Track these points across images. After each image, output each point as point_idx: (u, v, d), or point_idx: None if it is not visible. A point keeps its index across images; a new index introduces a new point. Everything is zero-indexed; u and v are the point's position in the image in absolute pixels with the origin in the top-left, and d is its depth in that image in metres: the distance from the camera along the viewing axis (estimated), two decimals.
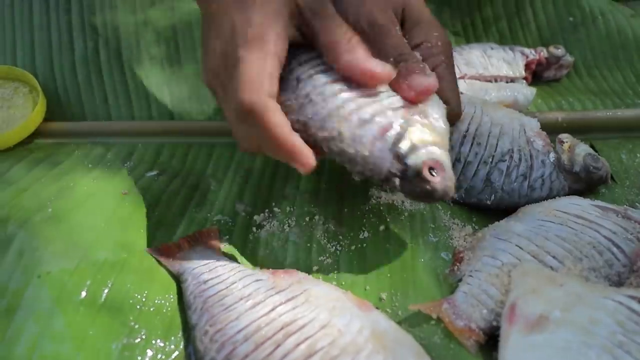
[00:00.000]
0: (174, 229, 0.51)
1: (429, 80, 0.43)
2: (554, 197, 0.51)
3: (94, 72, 0.66)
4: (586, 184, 0.53)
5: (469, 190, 0.52)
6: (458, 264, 0.47)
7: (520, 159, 0.52)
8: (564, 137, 0.54)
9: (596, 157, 0.53)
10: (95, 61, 0.67)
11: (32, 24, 0.69)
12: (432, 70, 0.45)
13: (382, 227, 0.50)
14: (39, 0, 0.70)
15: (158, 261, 0.46)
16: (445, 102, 0.46)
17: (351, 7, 0.49)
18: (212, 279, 0.42)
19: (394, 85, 0.44)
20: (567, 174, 0.52)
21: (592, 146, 0.59)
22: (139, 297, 0.44)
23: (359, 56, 0.43)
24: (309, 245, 0.49)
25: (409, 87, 0.43)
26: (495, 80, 0.62)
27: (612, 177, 0.56)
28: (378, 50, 0.45)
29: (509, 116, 0.55)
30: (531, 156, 0.53)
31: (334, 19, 0.45)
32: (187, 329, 0.42)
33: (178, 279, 0.45)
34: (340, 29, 0.44)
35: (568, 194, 0.52)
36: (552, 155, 0.52)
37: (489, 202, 0.52)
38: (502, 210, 0.52)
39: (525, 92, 0.61)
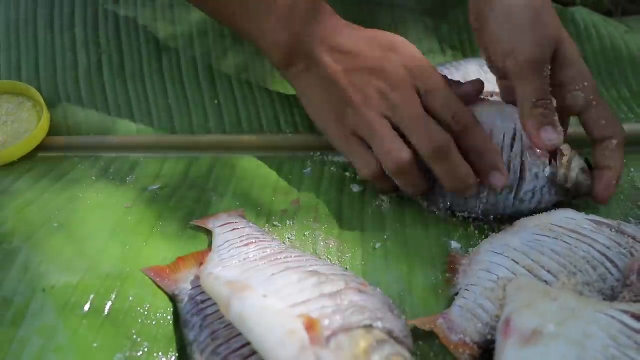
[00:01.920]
0: (176, 243, 0.51)
1: (559, 137, 0.49)
2: (542, 209, 0.51)
3: (98, 87, 0.67)
4: (572, 197, 0.53)
5: (457, 200, 0.53)
6: (452, 273, 0.47)
7: (507, 170, 0.51)
8: (565, 149, 0.53)
9: (588, 173, 0.53)
10: (99, 76, 0.68)
11: (36, 39, 0.70)
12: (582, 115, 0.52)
13: (380, 243, 0.51)
14: (43, 17, 0.72)
15: (154, 281, 0.47)
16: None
17: (505, 31, 0.51)
18: (209, 299, 0.43)
19: (525, 127, 0.49)
20: (559, 188, 0.52)
21: (587, 161, 0.60)
22: (141, 310, 0.45)
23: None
24: None
25: (539, 138, 0.49)
26: (491, 96, 0.63)
27: None
28: (517, 85, 0.49)
29: (503, 117, 0.53)
30: (522, 168, 0.52)
31: None
32: (184, 346, 0.42)
33: (174, 299, 0.46)
34: None
35: (553, 204, 0.52)
36: (547, 170, 0.52)
37: (479, 213, 0.53)
38: (498, 219, 0.52)
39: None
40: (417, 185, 0.52)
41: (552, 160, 0.52)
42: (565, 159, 0.52)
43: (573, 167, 0.52)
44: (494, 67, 0.56)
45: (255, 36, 0.57)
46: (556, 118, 0.49)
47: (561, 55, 0.51)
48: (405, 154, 0.50)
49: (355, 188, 0.57)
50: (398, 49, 0.52)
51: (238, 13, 0.57)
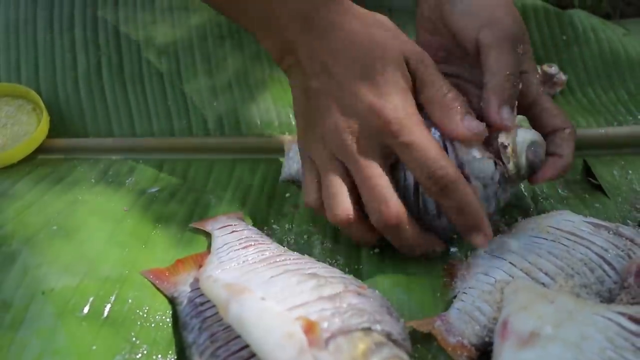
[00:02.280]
0: (175, 245, 0.52)
1: (513, 120, 0.46)
2: (500, 208, 0.49)
3: (97, 88, 0.67)
4: (529, 176, 0.49)
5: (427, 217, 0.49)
6: (450, 278, 0.48)
7: None
8: (503, 138, 0.47)
9: (537, 144, 0.47)
10: (98, 78, 0.68)
11: (36, 42, 0.70)
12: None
13: (377, 248, 0.51)
14: (42, 19, 0.72)
15: (153, 284, 0.47)
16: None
17: (483, 5, 0.48)
18: (207, 301, 0.43)
19: (488, 100, 0.46)
20: (513, 180, 0.48)
21: (585, 162, 0.60)
22: (140, 312, 0.45)
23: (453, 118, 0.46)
24: None
25: (498, 115, 0.46)
26: None
27: (604, 193, 0.57)
28: (490, 57, 0.46)
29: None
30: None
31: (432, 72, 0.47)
32: (183, 348, 0.42)
33: (173, 301, 0.46)
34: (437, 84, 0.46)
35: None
36: (496, 174, 0.47)
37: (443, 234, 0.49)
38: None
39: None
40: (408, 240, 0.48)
41: (497, 161, 0.47)
42: (509, 150, 0.47)
43: (520, 150, 0.47)
44: (459, 47, 0.51)
45: (259, 29, 0.51)
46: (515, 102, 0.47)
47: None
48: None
49: None
50: (387, 87, 0.45)
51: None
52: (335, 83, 0.46)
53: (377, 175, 0.45)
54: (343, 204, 0.46)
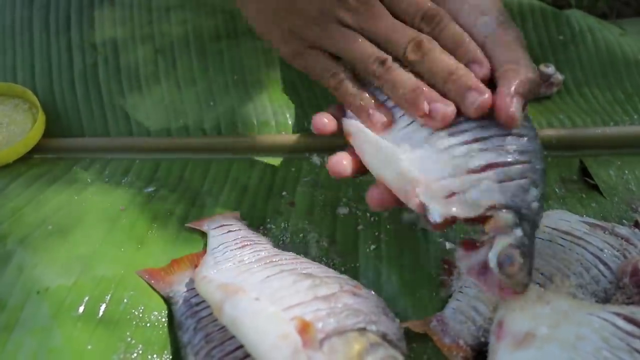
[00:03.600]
0: (171, 245, 0.51)
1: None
2: None
3: (93, 88, 0.67)
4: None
5: None
6: (447, 275, 0.48)
7: None
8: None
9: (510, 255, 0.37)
10: (94, 78, 0.68)
11: (32, 42, 0.70)
12: None
13: (374, 245, 0.51)
14: (39, 19, 0.72)
15: (148, 284, 0.47)
16: None
17: None
18: (203, 301, 0.43)
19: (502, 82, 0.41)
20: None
21: (581, 162, 0.60)
22: (135, 312, 0.45)
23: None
24: None
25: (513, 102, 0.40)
26: None
27: (601, 193, 0.57)
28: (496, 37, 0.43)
29: None
30: None
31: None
32: (179, 348, 0.42)
33: (168, 301, 0.46)
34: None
35: None
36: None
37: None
38: None
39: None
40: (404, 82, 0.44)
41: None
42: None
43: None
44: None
45: None
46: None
47: None
48: (383, 54, 0.44)
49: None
50: None
51: None
52: None
53: (387, 16, 0.45)
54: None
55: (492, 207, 0.37)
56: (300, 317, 0.36)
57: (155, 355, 0.42)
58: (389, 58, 0.44)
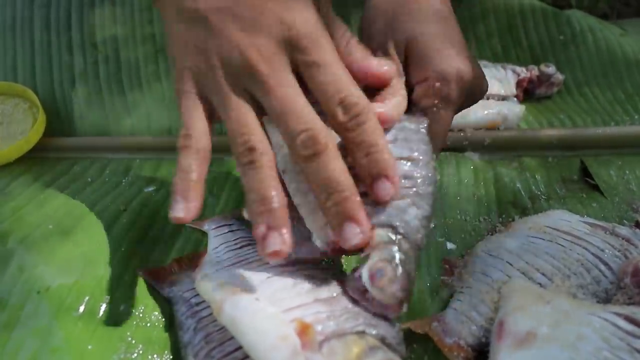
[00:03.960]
0: (172, 245, 0.52)
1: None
2: None
3: (94, 88, 0.67)
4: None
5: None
6: (447, 275, 0.48)
7: None
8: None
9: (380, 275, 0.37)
10: (95, 77, 0.68)
11: (33, 41, 0.70)
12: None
13: None
14: (39, 18, 0.72)
15: (149, 283, 0.47)
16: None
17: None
18: (203, 301, 0.43)
19: None
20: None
21: (582, 162, 0.60)
22: (135, 312, 0.45)
23: (357, 57, 0.41)
24: None
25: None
26: (487, 98, 0.64)
27: (602, 193, 0.57)
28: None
29: None
30: None
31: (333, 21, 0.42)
32: (179, 348, 0.42)
33: (169, 301, 0.46)
34: (339, 30, 0.42)
35: None
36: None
37: None
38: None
39: (515, 109, 0.63)
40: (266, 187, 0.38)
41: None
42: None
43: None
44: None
45: None
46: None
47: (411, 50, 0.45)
48: (257, 142, 0.38)
49: None
50: (288, 4, 0.40)
51: None
52: None
53: (295, 94, 0.38)
54: (260, 134, 0.39)
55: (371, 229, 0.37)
56: (300, 319, 0.36)
57: (155, 355, 0.42)
58: (258, 150, 0.38)
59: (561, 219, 0.49)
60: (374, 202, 0.38)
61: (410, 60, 0.45)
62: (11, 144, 0.59)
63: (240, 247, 0.47)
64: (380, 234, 0.37)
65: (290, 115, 0.38)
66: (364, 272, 0.37)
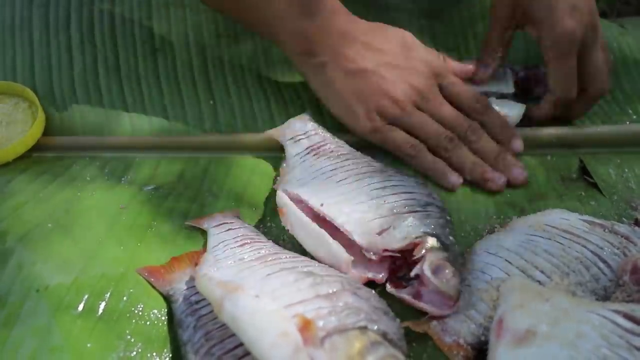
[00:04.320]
0: (171, 243, 0.51)
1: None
2: None
3: (93, 87, 0.67)
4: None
5: None
6: None
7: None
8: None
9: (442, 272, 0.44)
10: (94, 76, 0.68)
11: (32, 40, 0.70)
12: None
13: None
14: (39, 18, 0.71)
15: (148, 282, 0.47)
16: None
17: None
18: (203, 299, 0.43)
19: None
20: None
21: (581, 161, 0.60)
22: (135, 310, 0.45)
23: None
24: None
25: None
26: (487, 95, 0.64)
27: (600, 191, 0.57)
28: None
29: None
30: None
31: None
32: (179, 346, 0.42)
33: (168, 299, 0.46)
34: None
35: None
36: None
37: None
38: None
39: (515, 108, 0.63)
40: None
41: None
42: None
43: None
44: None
45: (272, 25, 0.60)
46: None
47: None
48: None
49: None
50: (413, 47, 0.61)
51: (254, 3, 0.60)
52: (378, 54, 0.59)
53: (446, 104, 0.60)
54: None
55: (419, 237, 0.45)
56: (301, 314, 0.36)
57: (154, 353, 0.42)
58: (456, 137, 0.58)
59: (560, 217, 0.50)
60: (425, 216, 0.48)
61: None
62: (10, 143, 0.59)
63: (240, 246, 0.47)
64: (432, 240, 0.46)
65: (457, 119, 0.60)
66: (426, 269, 0.43)
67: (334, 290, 0.40)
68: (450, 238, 0.47)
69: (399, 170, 0.55)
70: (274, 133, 0.61)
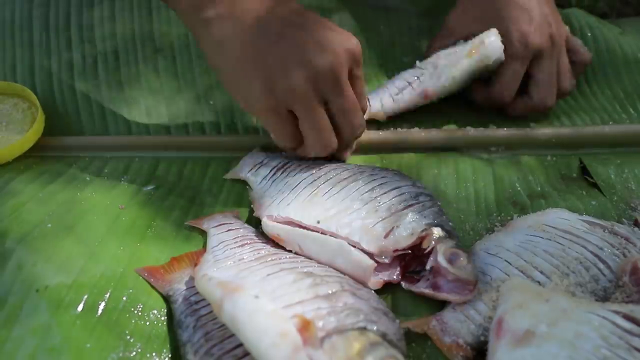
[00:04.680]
0: (171, 243, 0.51)
1: None
2: None
3: (93, 87, 0.67)
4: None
5: None
6: None
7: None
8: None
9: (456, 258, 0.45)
10: (94, 76, 0.68)
11: (32, 40, 0.70)
12: None
13: None
14: (38, 17, 0.71)
15: (148, 282, 0.47)
16: None
17: None
18: (202, 299, 0.43)
19: None
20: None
21: (580, 161, 0.60)
22: (134, 311, 0.45)
23: None
24: None
25: None
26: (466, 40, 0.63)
27: (601, 192, 0.57)
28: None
29: None
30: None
31: None
32: (178, 347, 0.42)
33: (168, 299, 0.46)
34: None
35: None
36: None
37: None
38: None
39: (493, 39, 0.61)
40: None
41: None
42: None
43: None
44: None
45: None
46: None
47: None
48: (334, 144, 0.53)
49: None
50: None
51: None
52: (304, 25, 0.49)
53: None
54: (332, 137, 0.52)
55: (424, 230, 0.46)
56: (300, 315, 0.36)
57: (154, 354, 0.42)
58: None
59: (560, 217, 0.49)
60: (421, 207, 0.48)
61: None
62: (10, 143, 0.59)
63: (240, 246, 0.47)
64: (437, 230, 0.46)
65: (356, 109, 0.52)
66: (441, 259, 0.44)
67: (334, 290, 0.40)
68: (450, 224, 0.48)
69: (371, 165, 0.55)
70: (233, 174, 0.59)
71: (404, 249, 0.45)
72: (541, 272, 0.43)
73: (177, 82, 0.68)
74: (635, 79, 0.70)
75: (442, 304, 0.45)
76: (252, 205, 0.54)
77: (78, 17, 0.72)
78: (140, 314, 0.44)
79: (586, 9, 0.78)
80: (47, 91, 0.67)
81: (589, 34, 0.73)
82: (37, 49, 0.70)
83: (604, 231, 0.47)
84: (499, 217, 0.54)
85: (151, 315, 0.45)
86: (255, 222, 0.54)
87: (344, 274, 0.45)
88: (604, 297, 0.43)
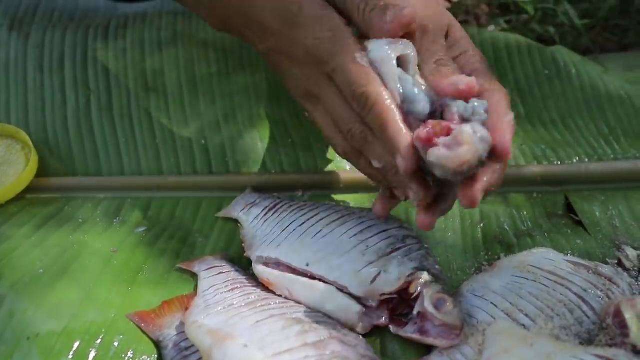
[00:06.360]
0: (162, 286, 0.52)
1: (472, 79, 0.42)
2: None
3: (86, 127, 0.68)
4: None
5: None
6: None
7: None
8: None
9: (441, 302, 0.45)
10: (87, 116, 0.69)
11: (26, 82, 0.71)
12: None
13: None
14: (33, 59, 0.73)
15: (138, 327, 0.48)
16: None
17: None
18: (192, 345, 0.43)
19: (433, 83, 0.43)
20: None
21: (566, 198, 0.61)
22: (125, 357, 0.45)
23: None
24: None
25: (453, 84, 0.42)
26: None
27: (585, 230, 0.58)
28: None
29: None
30: None
31: None
32: None
33: (158, 344, 0.46)
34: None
35: None
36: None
37: None
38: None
39: None
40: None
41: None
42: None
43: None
44: None
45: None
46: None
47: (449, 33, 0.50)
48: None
49: None
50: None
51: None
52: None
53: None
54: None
55: (411, 274, 0.46)
56: None
57: None
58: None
59: (545, 257, 0.50)
60: (408, 251, 0.49)
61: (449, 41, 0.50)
62: (4, 186, 0.60)
63: (230, 290, 0.47)
64: (424, 274, 0.47)
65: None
66: (427, 305, 0.44)
67: (322, 338, 0.40)
68: (437, 267, 0.49)
69: (359, 207, 0.56)
70: (225, 213, 0.60)
71: (391, 294, 0.46)
72: (526, 315, 0.44)
73: (169, 121, 0.69)
74: (618, 114, 0.71)
75: (430, 347, 0.45)
76: (243, 245, 0.55)
77: (72, 57, 0.73)
78: None
79: (570, 46, 0.80)
80: (41, 132, 0.67)
81: (574, 71, 0.74)
82: (31, 89, 0.71)
83: (588, 272, 0.48)
84: (486, 256, 0.55)
85: None
86: (245, 262, 0.54)
87: (333, 318, 0.45)
88: (588, 340, 0.43)
